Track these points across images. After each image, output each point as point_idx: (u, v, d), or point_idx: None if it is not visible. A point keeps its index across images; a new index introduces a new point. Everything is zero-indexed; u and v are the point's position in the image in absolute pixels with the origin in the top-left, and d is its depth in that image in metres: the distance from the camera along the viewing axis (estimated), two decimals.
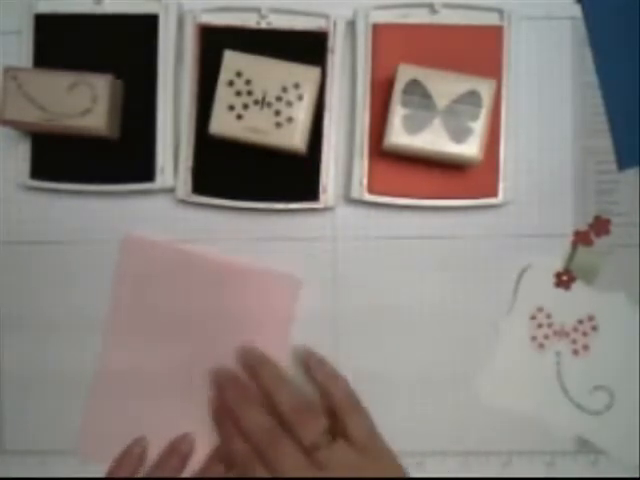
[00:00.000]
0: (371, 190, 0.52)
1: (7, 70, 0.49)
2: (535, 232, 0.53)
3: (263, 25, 0.52)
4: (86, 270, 0.54)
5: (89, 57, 0.52)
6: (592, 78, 0.53)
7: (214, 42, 0.52)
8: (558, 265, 0.53)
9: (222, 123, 0.49)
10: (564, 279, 0.52)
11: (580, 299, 0.53)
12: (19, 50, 0.52)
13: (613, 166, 0.53)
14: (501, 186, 0.52)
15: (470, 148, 0.49)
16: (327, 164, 0.52)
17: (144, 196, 0.54)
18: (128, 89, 0.52)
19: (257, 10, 0.52)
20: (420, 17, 0.52)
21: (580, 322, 0.53)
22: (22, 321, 0.54)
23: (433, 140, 0.49)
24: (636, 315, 0.53)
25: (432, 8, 0.52)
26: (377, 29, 0.52)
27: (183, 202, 0.53)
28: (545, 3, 0.53)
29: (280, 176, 0.52)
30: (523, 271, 0.53)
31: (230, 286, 0.53)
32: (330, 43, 0.52)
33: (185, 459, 0.52)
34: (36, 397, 0.54)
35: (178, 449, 0.52)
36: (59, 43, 0.52)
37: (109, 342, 0.53)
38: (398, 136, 0.49)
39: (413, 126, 0.49)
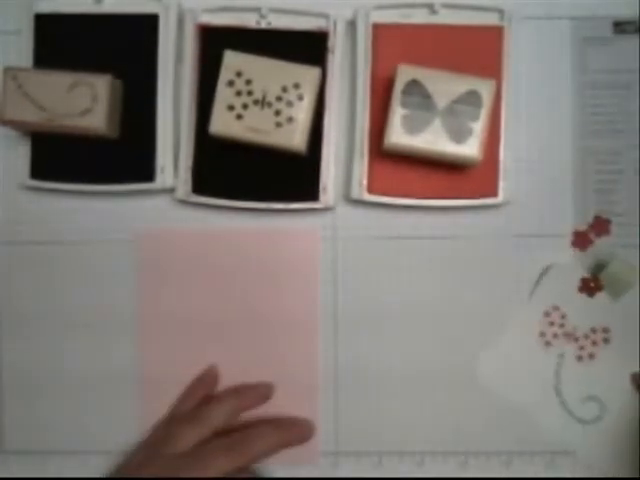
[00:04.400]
0: (371, 190, 0.52)
1: (7, 70, 0.49)
2: (535, 232, 0.53)
3: (263, 25, 0.52)
4: (86, 270, 0.54)
5: (89, 57, 0.52)
6: (592, 78, 0.53)
7: (214, 42, 0.52)
8: (582, 270, 0.52)
9: (222, 123, 0.49)
10: (591, 286, 0.52)
11: (599, 309, 0.52)
12: (19, 50, 0.52)
13: (613, 166, 0.53)
14: (501, 186, 0.52)
15: (470, 148, 0.49)
16: (327, 164, 0.52)
17: (144, 196, 0.54)
18: (128, 89, 0.52)
19: (257, 10, 0.52)
20: (420, 17, 0.52)
21: (593, 331, 0.52)
22: (21, 321, 0.54)
23: (433, 140, 0.49)
24: None
25: (432, 8, 0.52)
26: (377, 29, 0.52)
27: (183, 202, 0.53)
28: (545, 3, 0.53)
29: (280, 176, 0.52)
30: (546, 270, 0.52)
31: (255, 250, 0.54)
32: (330, 43, 0.52)
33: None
34: (36, 397, 0.54)
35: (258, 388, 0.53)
36: (59, 43, 0.52)
37: (147, 340, 0.54)
38: (398, 136, 0.49)
39: (413, 126, 0.49)
